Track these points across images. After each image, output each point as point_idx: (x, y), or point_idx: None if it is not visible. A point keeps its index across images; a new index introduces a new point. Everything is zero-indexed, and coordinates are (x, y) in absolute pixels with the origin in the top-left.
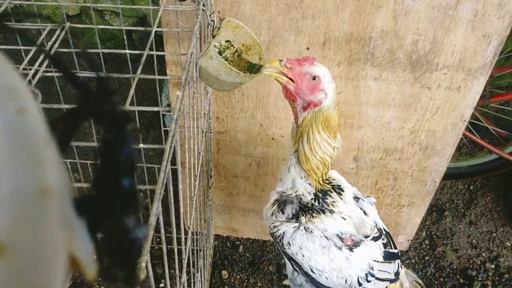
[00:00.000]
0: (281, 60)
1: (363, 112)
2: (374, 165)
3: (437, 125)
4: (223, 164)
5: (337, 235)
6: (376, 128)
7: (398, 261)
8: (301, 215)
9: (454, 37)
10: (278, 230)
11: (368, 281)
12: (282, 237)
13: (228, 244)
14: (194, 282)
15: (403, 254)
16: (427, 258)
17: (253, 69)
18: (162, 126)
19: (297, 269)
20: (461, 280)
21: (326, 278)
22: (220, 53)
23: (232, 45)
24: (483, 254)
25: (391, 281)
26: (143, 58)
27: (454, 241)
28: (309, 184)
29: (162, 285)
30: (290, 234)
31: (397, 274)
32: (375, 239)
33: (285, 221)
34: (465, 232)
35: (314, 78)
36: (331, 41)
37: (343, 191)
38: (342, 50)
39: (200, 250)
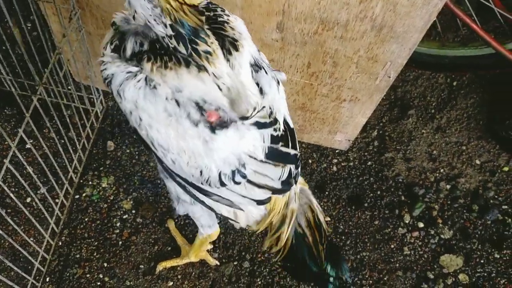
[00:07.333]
0: None
1: None
2: (306, 41)
3: None
4: (96, 4)
5: (197, 103)
6: None
7: (291, 166)
8: (146, 57)
9: None
10: (106, 69)
11: (236, 183)
12: (110, 82)
13: None
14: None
15: (341, 154)
16: (369, 163)
17: None
18: None
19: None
20: (402, 198)
21: (173, 162)
22: None
23: None
24: (441, 170)
25: (275, 191)
26: None
27: (410, 148)
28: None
29: (28, 146)
30: (120, 81)
31: (285, 183)
32: (260, 126)
33: (118, 60)
34: (427, 139)
35: None
36: None
37: (237, 49)
38: None
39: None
